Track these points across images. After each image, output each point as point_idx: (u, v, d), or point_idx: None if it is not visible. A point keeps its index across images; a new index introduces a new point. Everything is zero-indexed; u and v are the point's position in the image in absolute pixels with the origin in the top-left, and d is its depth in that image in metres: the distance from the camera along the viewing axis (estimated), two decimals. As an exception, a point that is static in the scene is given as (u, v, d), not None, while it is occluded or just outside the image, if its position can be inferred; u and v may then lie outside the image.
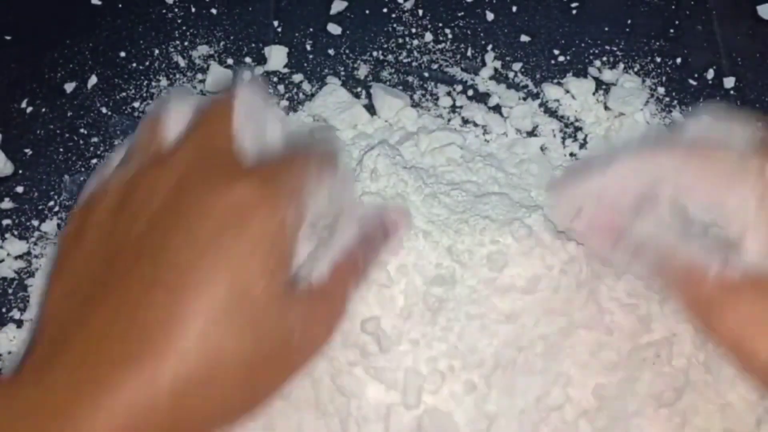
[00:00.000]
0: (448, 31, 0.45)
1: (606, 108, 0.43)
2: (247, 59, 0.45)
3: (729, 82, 0.44)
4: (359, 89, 0.44)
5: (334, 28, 0.45)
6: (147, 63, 0.45)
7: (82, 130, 0.43)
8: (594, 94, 0.44)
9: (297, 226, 0.26)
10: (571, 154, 0.42)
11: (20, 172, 0.42)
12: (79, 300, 0.24)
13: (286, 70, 0.44)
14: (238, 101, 0.27)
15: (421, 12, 0.46)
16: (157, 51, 0.45)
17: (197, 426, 0.24)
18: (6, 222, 0.41)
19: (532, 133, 0.43)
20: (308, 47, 0.45)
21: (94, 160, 0.43)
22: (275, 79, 0.44)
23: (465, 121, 0.43)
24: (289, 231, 0.25)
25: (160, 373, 0.22)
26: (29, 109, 0.44)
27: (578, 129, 0.43)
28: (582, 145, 0.42)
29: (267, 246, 0.24)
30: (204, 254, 0.24)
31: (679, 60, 0.44)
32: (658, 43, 0.45)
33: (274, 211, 0.25)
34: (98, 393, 0.22)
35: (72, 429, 0.22)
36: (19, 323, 0.39)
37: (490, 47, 0.45)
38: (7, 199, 0.42)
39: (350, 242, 0.29)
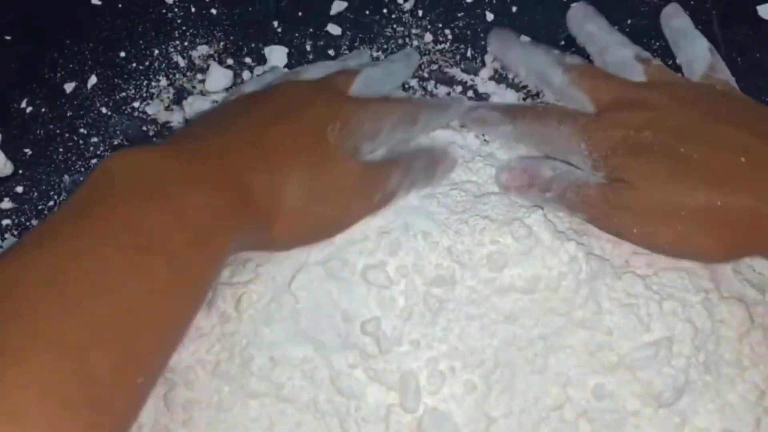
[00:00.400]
0: (447, 31, 0.45)
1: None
2: (247, 59, 0.45)
3: (729, 82, 0.44)
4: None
5: (334, 29, 0.45)
6: (147, 63, 0.45)
7: (82, 130, 0.43)
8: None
9: (369, 136, 0.37)
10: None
11: (20, 172, 0.42)
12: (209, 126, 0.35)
13: (286, 71, 0.44)
14: (361, 75, 0.40)
15: (420, 12, 0.46)
16: (157, 51, 0.45)
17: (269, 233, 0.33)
18: (6, 222, 0.41)
19: (531, 134, 0.43)
20: (308, 47, 0.45)
21: (94, 160, 0.43)
22: (275, 79, 0.44)
23: (465, 122, 0.43)
24: (362, 132, 0.36)
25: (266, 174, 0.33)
26: (29, 109, 0.44)
27: (578, 129, 0.43)
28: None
29: (347, 123, 0.36)
30: (306, 124, 0.35)
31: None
32: (658, 43, 0.45)
33: (353, 115, 0.36)
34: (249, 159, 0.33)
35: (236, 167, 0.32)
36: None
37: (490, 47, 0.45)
38: (6, 199, 0.42)
39: (402, 150, 0.39)
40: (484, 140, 0.42)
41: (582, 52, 0.44)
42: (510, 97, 0.43)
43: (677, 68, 0.44)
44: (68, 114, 0.44)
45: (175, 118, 0.43)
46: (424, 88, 0.44)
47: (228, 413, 0.34)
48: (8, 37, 0.45)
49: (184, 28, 0.46)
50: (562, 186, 0.37)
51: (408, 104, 0.41)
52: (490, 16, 0.45)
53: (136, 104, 0.44)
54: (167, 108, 0.44)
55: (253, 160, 0.33)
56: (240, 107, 0.37)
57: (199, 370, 0.35)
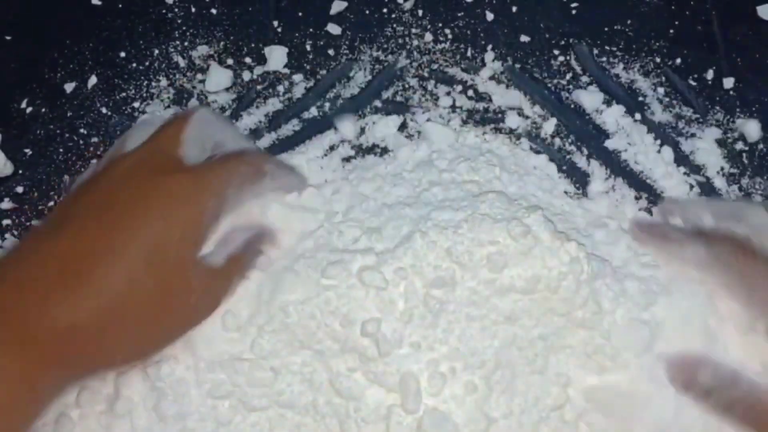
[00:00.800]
0: (447, 31, 0.45)
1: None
2: (247, 59, 0.45)
3: (728, 82, 0.44)
4: (359, 89, 0.44)
5: (334, 28, 0.45)
6: (147, 63, 0.45)
7: (82, 130, 0.43)
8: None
9: (213, 217, 0.33)
10: (570, 152, 0.42)
11: (20, 172, 0.42)
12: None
13: (286, 70, 0.44)
14: (192, 118, 0.35)
15: (420, 12, 0.46)
16: (157, 51, 0.45)
17: (107, 347, 0.31)
18: (6, 222, 0.41)
19: (532, 133, 0.43)
20: (308, 47, 0.45)
21: (94, 160, 0.43)
22: (275, 79, 0.44)
23: (465, 121, 0.43)
24: (206, 219, 0.33)
25: (85, 297, 0.30)
26: (29, 109, 0.44)
27: (578, 129, 0.43)
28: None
29: (187, 225, 0.32)
30: (138, 225, 0.31)
31: (678, 60, 0.44)
32: (658, 43, 0.45)
33: (197, 202, 0.33)
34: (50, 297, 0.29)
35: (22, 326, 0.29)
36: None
37: (489, 47, 0.45)
38: (7, 199, 0.42)
39: (240, 246, 0.35)
40: (485, 139, 0.42)
41: (584, 57, 0.44)
42: (512, 96, 0.43)
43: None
44: (68, 114, 0.44)
45: (175, 118, 0.43)
46: (424, 88, 0.44)
47: (227, 427, 0.34)
48: (8, 37, 0.45)
49: (184, 28, 0.46)
50: (727, 394, 0.33)
51: (249, 155, 0.37)
52: (490, 16, 0.46)
53: (136, 104, 0.44)
54: (167, 108, 0.44)
55: (73, 297, 0.29)
56: (66, 215, 0.32)
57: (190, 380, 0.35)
